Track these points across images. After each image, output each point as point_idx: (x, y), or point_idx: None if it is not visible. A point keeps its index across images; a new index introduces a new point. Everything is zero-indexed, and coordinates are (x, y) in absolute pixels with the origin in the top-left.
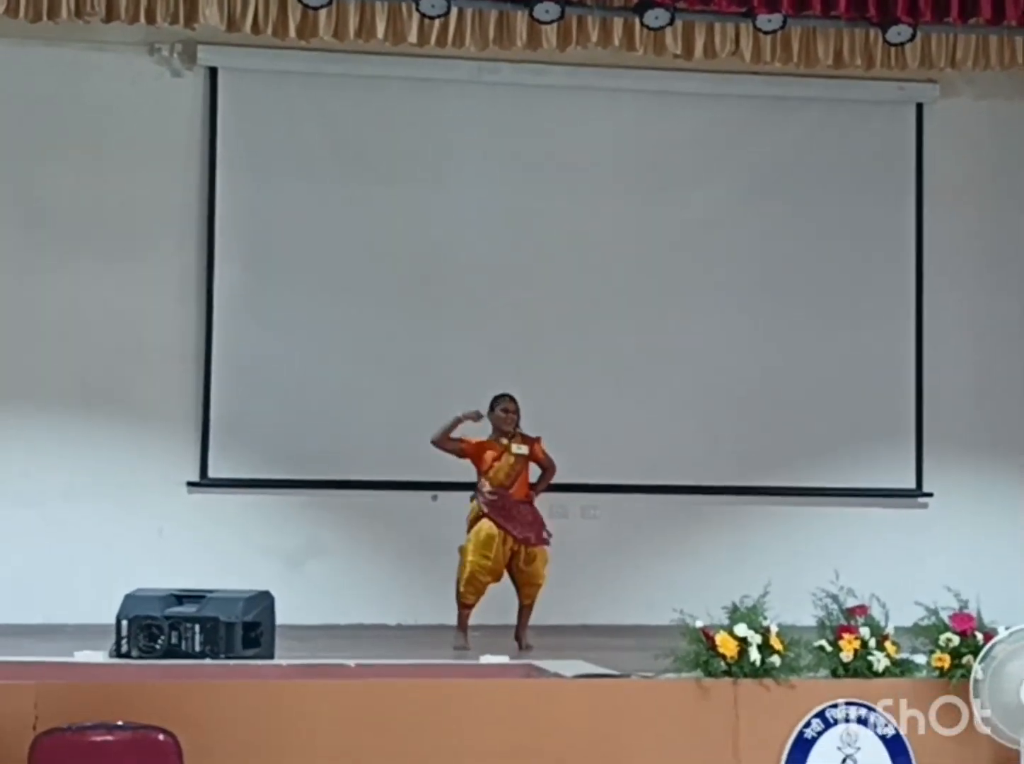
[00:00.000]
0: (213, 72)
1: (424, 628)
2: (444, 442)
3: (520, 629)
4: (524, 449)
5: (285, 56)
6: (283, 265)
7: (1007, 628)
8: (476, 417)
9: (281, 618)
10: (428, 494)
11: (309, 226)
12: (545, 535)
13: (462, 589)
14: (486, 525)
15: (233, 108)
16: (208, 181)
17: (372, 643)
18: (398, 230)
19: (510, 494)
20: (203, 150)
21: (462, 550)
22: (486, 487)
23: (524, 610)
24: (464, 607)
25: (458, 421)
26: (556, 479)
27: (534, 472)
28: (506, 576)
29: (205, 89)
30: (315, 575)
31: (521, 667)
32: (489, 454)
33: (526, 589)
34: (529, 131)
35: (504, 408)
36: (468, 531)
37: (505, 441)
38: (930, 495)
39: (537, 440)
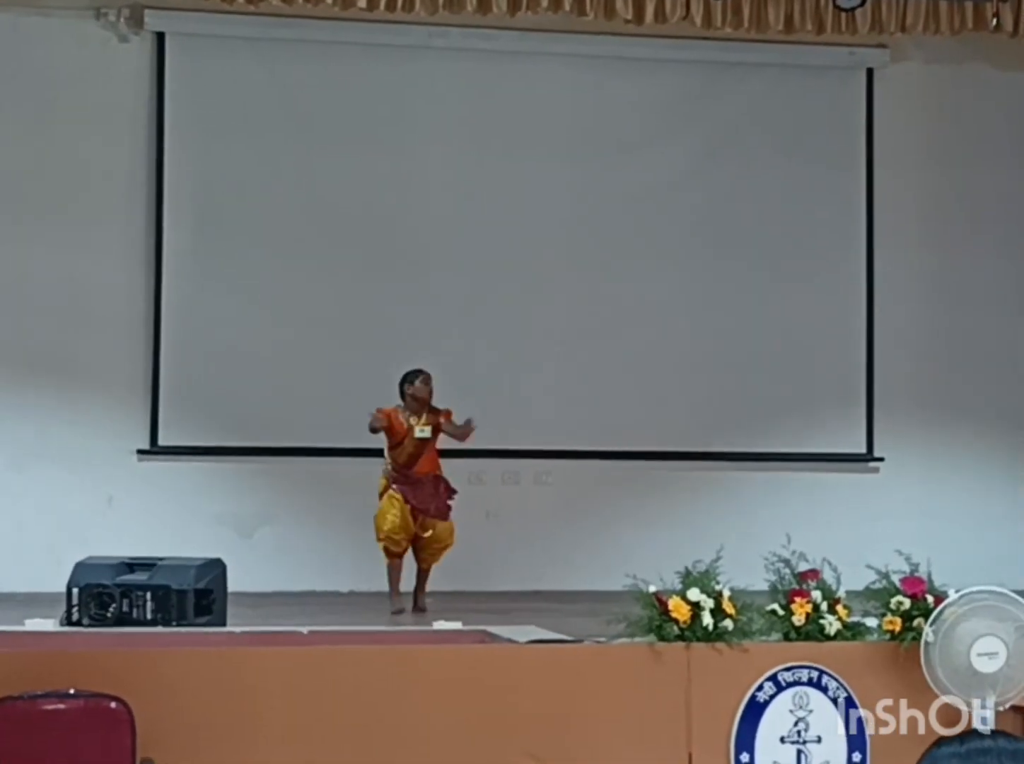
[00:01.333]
0: (160, 37)
1: (376, 594)
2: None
3: (417, 592)
4: (427, 432)
5: (233, 21)
6: (232, 230)
7: (957, 591)
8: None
9: (233, 585)
10: (379, 461)
11: (258, 191)
12: (445, 509)
13: (384, 545)
14: (390, 494)
15: (181, 73)
16: (156, 146)
17: (324, 610)
18: (348, 195)
19: (413, 472)
20: (151, 115)
21: (376, 518)
22: (391, 464)
23: (421, 574)
24: (393, 556)
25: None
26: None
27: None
28: None
29: (152, 54)
30: (266, 542)
31: (474, 633)
32: (398, 429)
33: (422, 554)
34: (479, 96)
35: (417, 385)
36: (380, 500)
37: (413, 420)
38: (881, 459)
39: (446, 413)
